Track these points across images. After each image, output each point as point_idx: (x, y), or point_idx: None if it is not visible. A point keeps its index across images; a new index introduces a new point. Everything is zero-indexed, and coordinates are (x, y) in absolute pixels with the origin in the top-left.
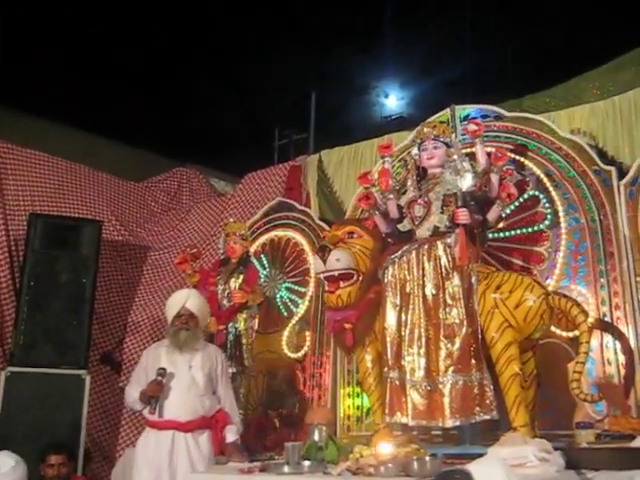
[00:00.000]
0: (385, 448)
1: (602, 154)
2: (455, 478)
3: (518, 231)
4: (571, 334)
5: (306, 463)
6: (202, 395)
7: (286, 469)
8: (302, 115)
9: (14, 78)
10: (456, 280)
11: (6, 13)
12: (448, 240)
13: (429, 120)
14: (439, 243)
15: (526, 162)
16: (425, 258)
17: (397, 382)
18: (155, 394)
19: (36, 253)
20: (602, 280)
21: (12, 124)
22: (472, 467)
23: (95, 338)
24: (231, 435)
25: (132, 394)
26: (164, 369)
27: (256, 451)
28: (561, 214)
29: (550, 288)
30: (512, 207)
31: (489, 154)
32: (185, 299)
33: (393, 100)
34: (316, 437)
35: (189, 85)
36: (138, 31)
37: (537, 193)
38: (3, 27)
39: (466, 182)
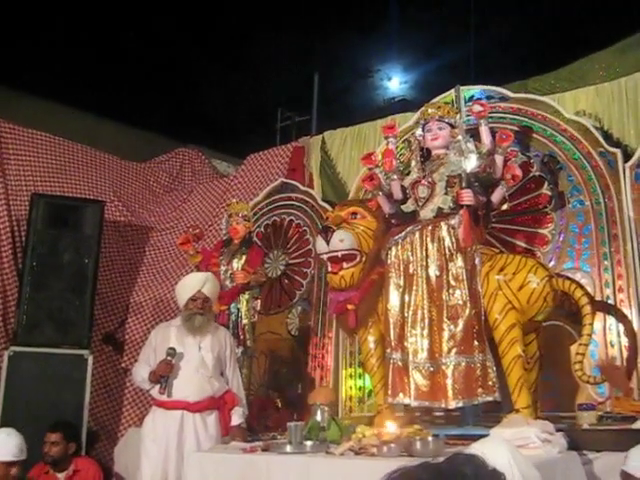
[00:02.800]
0: (392, 427)
1: (607, 136)
2: (462, 461)
3: (522, 213)
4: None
5: (308, 443)
6: (210, 376)
7: (288, 449)
8: (304, 97)
9: (16, 58)
10: (460, 261)
11: None
12: (452, 221)
13: (433, 101)
14: (443, 224)
15: (531, 143)
16: (429, 239)
17: (400, 363)
18: (165, 374)
19: (38, 233)
20: (606, 262)
21: (14, 104)
22: (477, 447)
23: (97, 318)
24: (237, 417)
25: (141, 373)
26: (174, 349)
27: (258, 431)
28: (565, 196)
29: (554, 270)
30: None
31: (494, 135)
32: (202, 283)
33: (396, 83)
34: (318, 417)
35: (191, 66)
36: (141, 13)
37: (541, 174)
38: (6, 6)
39: (470, 163)
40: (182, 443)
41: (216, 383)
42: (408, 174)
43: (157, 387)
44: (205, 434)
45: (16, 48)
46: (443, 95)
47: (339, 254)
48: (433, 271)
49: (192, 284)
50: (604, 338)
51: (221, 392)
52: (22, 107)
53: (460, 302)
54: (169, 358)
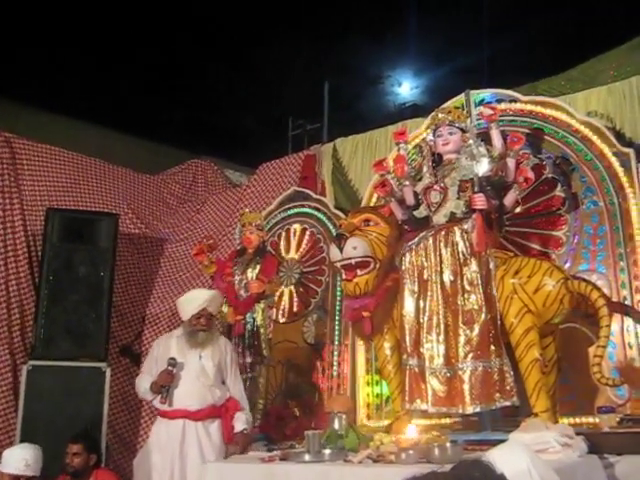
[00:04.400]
0: (412, 431)
1: (619, 136)
2: (469, 466)
3: (536, 216)
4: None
5: (327, 451)
6: (211, 384)
7: (307, 457)
8: (315, 105)
9: (30, 75)
10: (474, 266)
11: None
12: (465, 226)
13: (444, 106)
14: (456, 229)
15: (542, 145)
16: (442, 244)
17: (416, 369)
18: (166, 383)
19: (54, 247)
20: (622, 263)
21: (27, 120)
22: (496, 453)
23: (114, 330)
24: (240, 424)
25: (143, 384)
26: (174, 359)
27: (276, 440)
28: (579, 197)
29: (569, 272)
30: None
31: (505, 138)
32: (208, 302)
33: (407, 89)
34: (336, 425)
35: (202, 77)
36: (153, 26)
37: (554, 176)
38: (21, 23)
39: (482, 167)
40: (185, 452)
41: (217, 391)
42: (420, 180)
43: (159, 397)
44: (208, 443)
45: (29, 64)
46: (453, 100)
47: (353, 261)
48: (447, 276)
49: (198, 301)
50: (622, 339)
51: (223, 400)
52: (35, 123)
53: (475, 307)
54: (170, 368)
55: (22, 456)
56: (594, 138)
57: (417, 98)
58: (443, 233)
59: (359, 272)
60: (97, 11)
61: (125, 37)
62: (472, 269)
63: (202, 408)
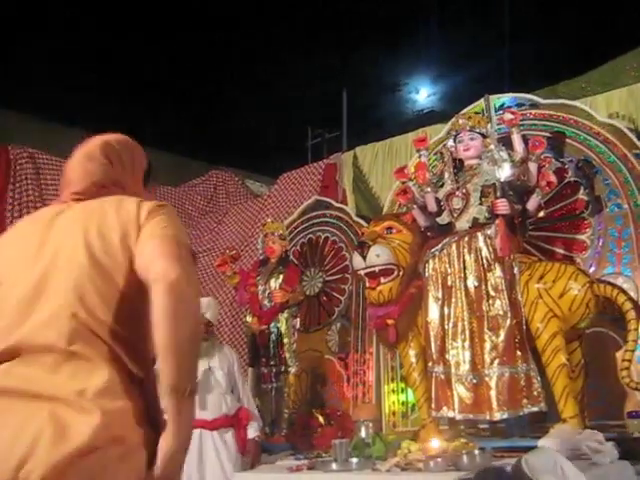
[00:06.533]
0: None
1: None
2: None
3: (559, 219)
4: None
5: (354, 460)
6: (224, 393)
7: (334, 466)
8: (334, 114)
9: (50, 91)
10: (498, 271)
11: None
12: (488, 231)
13: (464, 111)
14: (479, 235)
15: (564, 149)
16: (466, 250)
17: (442, 376)
18: None
19: None
20: None
21: (48, 135)
22: (527, 459)
23: None
24: (252, 431)
25: None
26: None
27: (303, 449)
28: (602, 200)
29: (594, 276)
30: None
31: (526, 142)
32: (205, 309)
33: (424, 95)
34: (363, 434)
35: (220, 88)
36: (168, 38)
37: (577, 180)
38: (31, 38)
39: (504, 172)
40: (203, 462)
41: (229, 400)
42: (442, 186)
43: None
44: (225, 452)
45: (48, 80)
46: (473, 105)
47: (376, 269)
48: (471, 282)
49: None
50: None
51: (235, 409)
52: (56, 137)
53: (500, 312)
54: None
55: None
56: (616, 140)
57: (435, 105)
58: (466, 239)
59: (383, 280)
60: (119, 23)
61: (146, 49)
62: (496, 274)
63: (217, 417)
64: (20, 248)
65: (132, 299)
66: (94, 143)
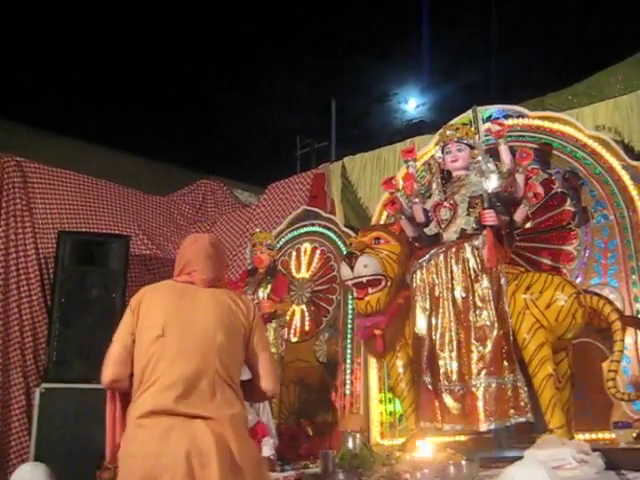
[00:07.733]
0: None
1: (628, 149)
2: None
3: (546, 230)
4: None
5: (341, 471)
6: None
7: (321, 477)
8: (323, 123)
9: (39, 98)
10: (485, 282)
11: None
12: (476, 242)
13: (451, 122)
14: (467, 245)
15: (551, 160)
16: (453, 261)
17: (430, 386)
18: None
19: (66, 270)
20: (634, 277)
21: (37, 143)
22: (512, 470)
23: None
24: (267, 449)
25: None
26: None
27: (290, 460)
28: (589, 211)
29: (581, 287)
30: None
31: (513, 154)
32: None
33: (414, 106)
34: (350, 444)
35: (209, 98)
36: (159, 46)
37: (563, 191)
38: (28, 46)
39: (491, 183)
40: None
41: (249, 414)
42: (429, 197)
43: None
44: None
45: (37, 87)
46: (460, 116)
47: (364, 280)
48: (459, 293)
49: None
50: (636, 353)
51: (253, 423)
52: (45, 146)
53: (488, 323)
54: None
55: (28, 477)
56: (603, 152)
57: (424, 115)
58: (454, 250)
59: (370, 290)
60: (107, 32)
61: (133, 59)
62: (483, 285)
63: None
64: (176, 312)
65: (242, 363)
66: (210, 242)
